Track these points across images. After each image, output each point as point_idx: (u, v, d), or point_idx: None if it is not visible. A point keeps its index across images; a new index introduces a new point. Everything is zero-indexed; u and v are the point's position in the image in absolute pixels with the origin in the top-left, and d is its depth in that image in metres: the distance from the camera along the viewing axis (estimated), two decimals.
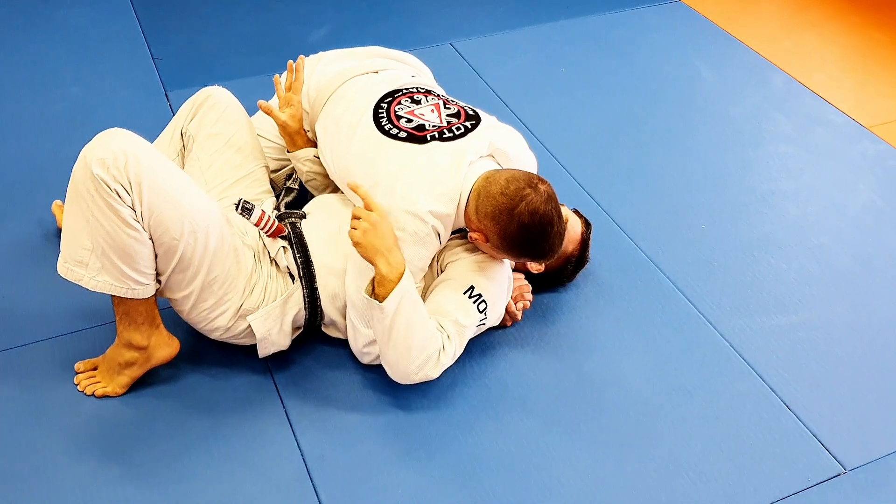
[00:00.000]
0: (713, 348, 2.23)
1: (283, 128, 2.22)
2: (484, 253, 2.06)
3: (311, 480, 1.86)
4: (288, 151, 2.28)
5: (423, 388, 2.03)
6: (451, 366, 2.01)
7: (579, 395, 2.09)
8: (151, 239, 1.81)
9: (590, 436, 2.00)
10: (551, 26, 3.60)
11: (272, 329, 2.00)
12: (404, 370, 1.94)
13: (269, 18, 3.54)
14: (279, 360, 2.10)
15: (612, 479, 1.91)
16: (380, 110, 2.09)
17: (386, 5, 3.68)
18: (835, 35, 3.70)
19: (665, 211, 2.67)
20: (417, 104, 2.11)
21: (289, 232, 2.05)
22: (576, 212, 2.33)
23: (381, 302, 1.86)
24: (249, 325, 1.98)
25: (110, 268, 1.80)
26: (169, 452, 1.90)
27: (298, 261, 2.01)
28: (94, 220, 1.76)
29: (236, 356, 2.09)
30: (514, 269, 2.23)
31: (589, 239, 2.29)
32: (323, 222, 2.10)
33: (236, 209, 2.01)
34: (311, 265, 2.02)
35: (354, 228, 1.87)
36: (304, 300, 2.02)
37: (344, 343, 2.11)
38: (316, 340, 2.14)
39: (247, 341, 2.04)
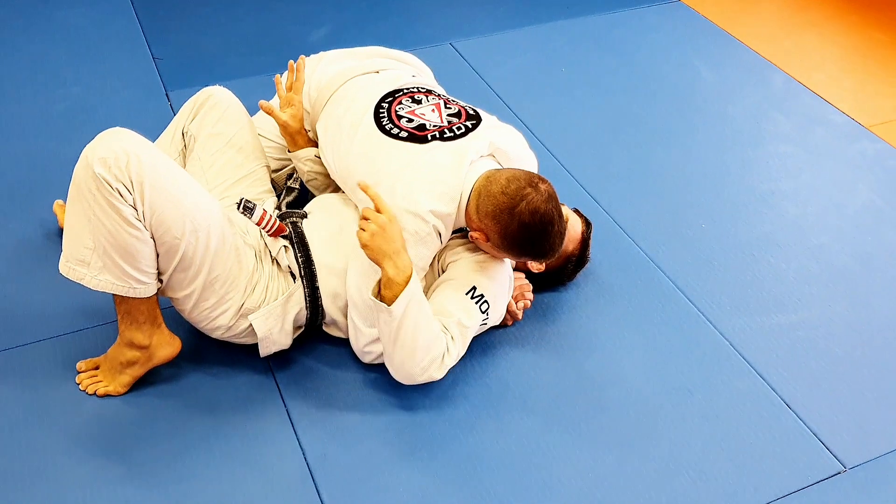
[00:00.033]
0: (713, 347, 2.24)
1: (284, 128, 2.23)
2: (485, 252, 2.07)
3: (313, 479, 1.87)
4: (289, 151, 2.28)
5: (424, 387, 2.03)
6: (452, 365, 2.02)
7: (580, 394, 2.09)
8: (153, 238, 1.81)
9: (590, 435, 2.00)
10: (551, 26, 3.60)
11: (273, 328, 2.00)
12: (409, 372, 1.95)
13: (270, 18, 3.55)
14: (280, 360, 2.10)
15: (612, 477, 1.91)
16: (381, 110, 2.09)
17: (386, 5, 3.69)
18: (834, 35, 3.71)
19: (665, 210, 2.68)
20: (418, 104, 2.11)
21: (290, 231, 2.05)
22: (576, 211, 2.33)
23: (387, 304, 1.86)
24: (251, 325, 1.99)
25: (112, 267, 1.81)
26: (170, 451, 1.90)
27: (300, 260, 2.02)
28: (95, 219, 1.77)
29: (238, 355, 2.10)
30: (515, 269, 2.24)
31: (589, 238, 2.30)
32: (324, 222, 2.11)
33: (238, 208, 2.01)
34: (313, 264, 2.02)
35: (363, 230, 1.87)
36: (306, 299, 2.02)
37: (345, 342, 2.12)
38: (317, 340, 2.15)
39: (248, 340, 2.04)
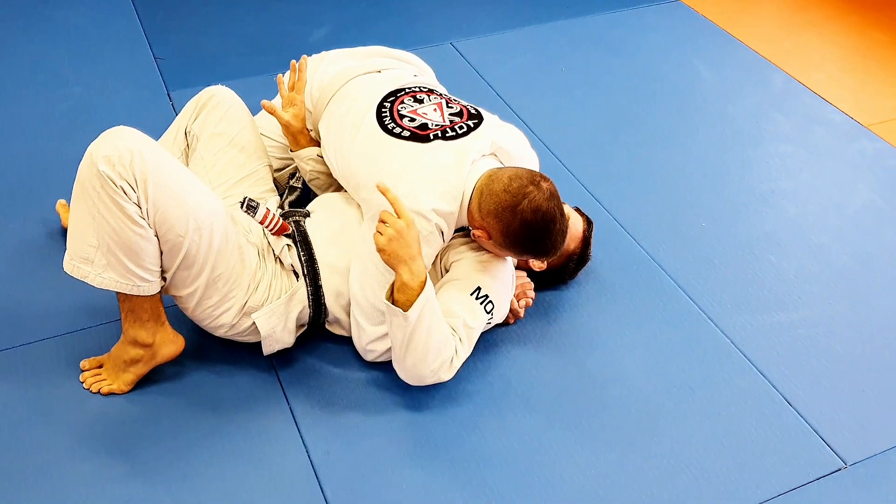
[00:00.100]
0: (714, 345, 2.24)
1: (286, 127, 2.23)
2: (488, 251, 2.07)
3: (317, 477, 1.87)
4: (291, 150, 2.29)
5: (426, 386, 2.03)
6: None
7: (581, 392, 2.10)
8: (157, 236, 1.82)
9: (592, 432, 2.01)
10: (551, 26, 3.61)
11: (276, 326, 2.01)
12: (419, 374, 1.95)
13: (270, 18, 3.56)
14: (284, 358, 2.11)
15: (614, 475, 1.92)
16: (383, 109, 2.10)
17: (386, 5, 3.69)
18: (834, 35, 3.72)
19: (665, 209, 2.68)
20: (420, 103, 2.12)
21: (293, 230, 2.06)
22: (577, 210, 2.34)
23: (401, 309, 1.87)
24: (254, 323, 1.99)
25: (116, 265, 1.81)
26: (174, 449, 1.91)
27: (302, 258, 2.02)
28: (99, 217, 1.77)
29: (241, 354, 2.10)
30: (517, 267, 2.24)
31: (590, 237, 2.31)
32: (326, 221, 2.12)
33: (241, 207, 2.02)
34: (316, 263, 2.03)
35: (380, 233, 1.86)
36: (309, 298, 2.03)
37: (348, 341, 2.12)
38: (320, 338, 2.16)
39: (251, 339, 2.05)
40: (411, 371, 1.95)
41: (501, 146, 2.08)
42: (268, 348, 2.04)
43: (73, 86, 3.07)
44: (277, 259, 2.03)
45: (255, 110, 2.30)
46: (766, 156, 2.96)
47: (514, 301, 2.20)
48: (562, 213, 1.95)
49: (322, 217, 2.13)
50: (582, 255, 2.30)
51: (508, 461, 1.93)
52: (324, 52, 2.40)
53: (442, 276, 2.13)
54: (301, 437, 1.95)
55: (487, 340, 2.19)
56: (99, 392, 2.00)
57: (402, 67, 2.33)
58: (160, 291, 1.92)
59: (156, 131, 2.24)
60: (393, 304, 1.88)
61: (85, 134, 1.95)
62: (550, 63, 3.38)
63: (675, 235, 2.58)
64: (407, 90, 2.16)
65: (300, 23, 3.52)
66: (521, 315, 2.24)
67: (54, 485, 1.83)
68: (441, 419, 2.01)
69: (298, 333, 2.09)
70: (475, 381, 2.10)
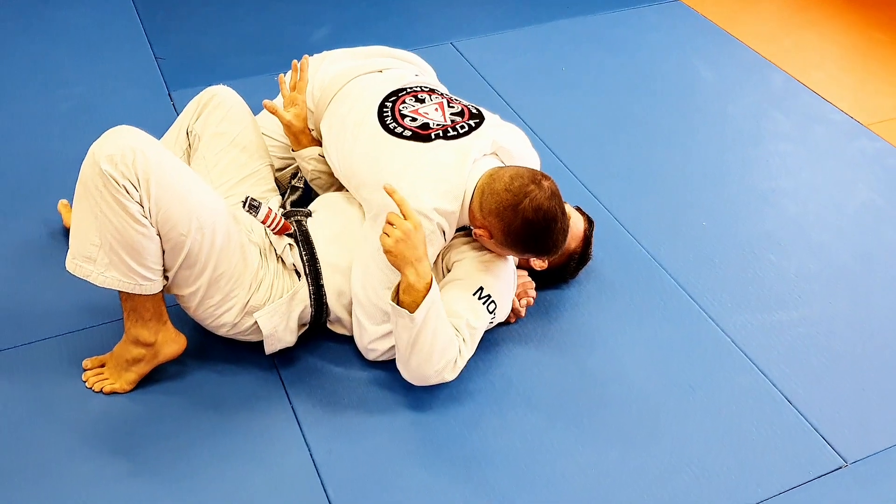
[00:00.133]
0: (715, 344, 2.25)
1: (287, 127, 2.24)
2: (489, 251, 2.08)
3: (319, 475, 1.88)
4: (293, 150, 2.29)
5: (428, 385, 2.04)
6: None
7: (582, 391, 2.10)
8: (159, 235, 1.83)
9: (593, 431, 2.02)
10: (551, 26, 3.61)
11: (278, 326, 2.01)
12: (424, 374, 1.96)
13: (271, 18, 3.56)
14: (285, 357, 2.11)
15: (615, 473, 1.93)
16: (384, 109, 2.10)
17: (386, 5, 3.70)
18: (834, 34, 3.73)
19: (666, 208, 2.69)
20: (422, 103, 2.12)
21: (295, 229, 2.06)
22: (578, 209, 2.34)
23: (406, 310, 1.87)
24: (256, 322, 2.00)
25: (118, 264, 1.82)
26: (176, 448, 1.91)
27: (304, 258, 2.03)
28: (102, 216, 1.78)
29: (243, 353, 2.11)
30: (518, 266, 2.25)
31: (591, 236, 2.31)
32: (328, 220, 2.12)
33: (243, 206, 2.02)
34: (317, 262, 2.03)
35: (387, 234, 1.86)
36: (310, 297, 2.03)
37: (350, 340, 2.13)
38: (322, 337, 2.16)
39: (253, 338, 2.05)
40: (416, 371, 1.96)
41: (503, 145, 2.08)
42: (270, 347, 2.05)
43: (74, 86, 3.07)
44: (279, 258, 2.04)
45: (256, 110, 2.30)
46: (766, 155, 2.96)
47: (516, 300, 2.21)
48: (563, 212, 1.96)
49: (324, 216, 2.14)
50: (583, 255, 2.30)
51: (510, 459, 1.94)
52: (325, 52, 2.41)
53: (444, 276, 2.13)
54: (303, 436, 1.95)
55: (489, 339, 2.19)
56: (101, 391, 2.00)
57: (404, 67, 2.33)
58: (162, 291, 1.92)
59: (157, 131, 2.24)
60: (398, 305, 1.89)
61: (86, 134, 1.96)
62: (551, 63, 3.38)
63: (676, 234, 2.59)
64: (408, 90, 2.17)
65: (300, 23, 3.53)
66: (523, 314, 2.25)
67: (56, 484, 1.83)
68: (443, 418, 2.01)
69: (300, 332, 2.09)
70: (477, 379, 2.10)
